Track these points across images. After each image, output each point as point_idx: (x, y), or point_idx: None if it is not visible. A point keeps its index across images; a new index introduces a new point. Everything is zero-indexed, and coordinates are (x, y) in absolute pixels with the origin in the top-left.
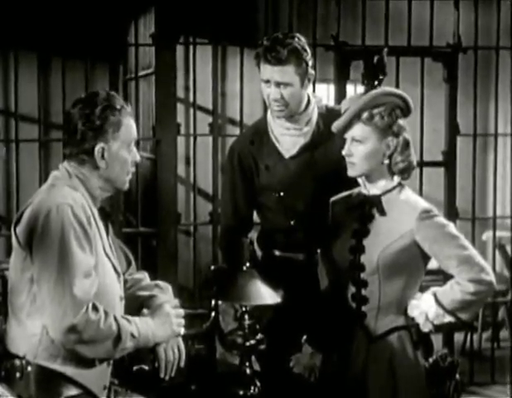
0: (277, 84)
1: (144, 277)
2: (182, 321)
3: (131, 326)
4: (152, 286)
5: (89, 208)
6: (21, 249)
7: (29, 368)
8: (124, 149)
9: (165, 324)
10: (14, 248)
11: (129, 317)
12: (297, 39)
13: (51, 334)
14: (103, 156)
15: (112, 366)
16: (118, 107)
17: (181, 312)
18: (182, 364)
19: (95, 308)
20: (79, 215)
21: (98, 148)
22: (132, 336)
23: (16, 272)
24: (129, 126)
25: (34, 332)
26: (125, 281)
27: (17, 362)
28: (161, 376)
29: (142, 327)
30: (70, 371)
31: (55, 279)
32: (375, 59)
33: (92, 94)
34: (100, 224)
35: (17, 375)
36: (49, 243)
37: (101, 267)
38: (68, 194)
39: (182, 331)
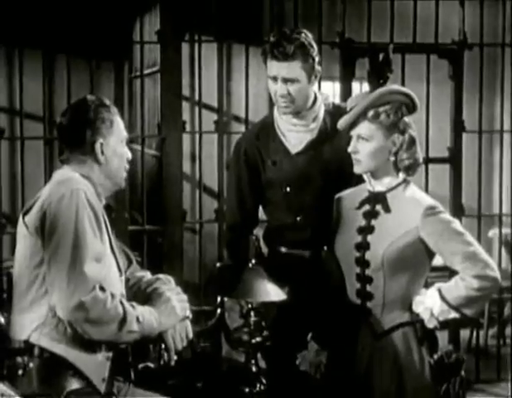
0: (284, 81)
1: (146, 274)
2: (186, 304)
3: (136, 311)
4: (153, 280)
5: (98, 200)
6: (30, 236)
7: (31, 365)
8: (119, 144)
9: (167, 309)
10: (21, 237)
11: (133, 304)
12: (303, 35)
13: (59, 313)
14: (102, 152)
15: (116, 364)
16: (108, 105)
17: (184, 296)
18: (184, 343)
19: (102, 289)
20: (92, 201)
21: (97, 145)
22: (138, 320)
23: (23, 260)
24: (119, 123)
25: (39, 315)
26: (127, 279)
27: (19, 359)
28: (172, 363)
29: (146, 314)
30: (72, 356)
31: (67, 259)
32: (381, 56)
33: (81, 99)
34: (107, 220)
35: (20, 372)
36: (63, 225)
37: (107, 260)
38: (81, 181)
39: (188, 313)
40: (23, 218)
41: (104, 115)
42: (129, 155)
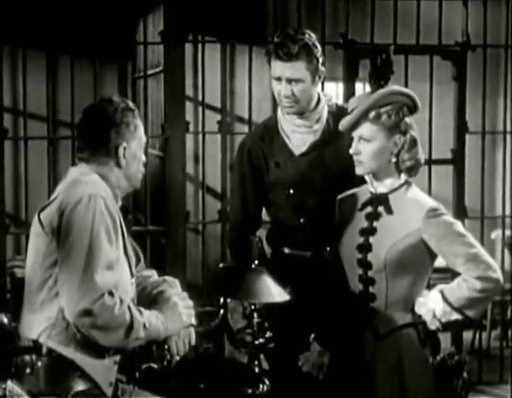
0: (288, 81)
1: (152, 274)
2: (192, 311)
3: (143, 317)
4: (159, 282)
5: (115, 204)
6: (45, 235)
7: (39, 363)
8: (140, 149)
9: (173, 315)
10: (36, 235)
11: (141, 309)
12: (307, 35)
13: (67, 315)
14: (124, 155)
15: (119, 364)
16: (133, 108)
17: (190, 303)
18: (187, 349)
19: (111, 294)
20: (111, 207)
21: (121, 148)
22: (144, 327)
23: (36, 259)
24: (142, 127)
25: (49, 316)
26: None
27: (27, 358)
28: (172, 365)
29: (153, 319)
30: (80, 359)
31: (80, 266)
32: (382, 57)
33: (107, 99)
34: (123, 223)
35: (27, 370)
36: (78, 230)
37: (120, 264)
38: (100, 185)
39: (193, 321)
40: (39, 216)
41: (130, 120)
42: (144, 158)
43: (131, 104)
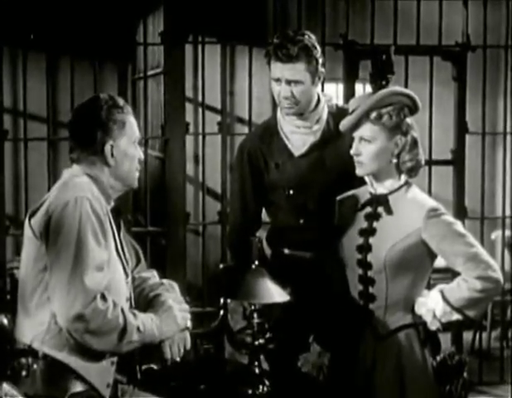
0: (288, 82)
1: (152, 275)
2: (188, 315)
3: (137, 320)
4: (157, 285)
5: (104, 205)
6: (35, 240)
7: (35, 366)
8: (131, 146)
9: (168, 318)
10: (28, 239)
11: (135, 312)
12: (307, 36)
13: (59, 321)
14: (112, 154)
15: (116, 364)
16: (121, 105)
17: (186, 306)
18: (182, 353)
19: (104, 298)
20: (97, 209)
21: (107, 147)
22: (138, 330)
23: (28, 263)
24: (132, 123)
25: (42, 321)
26: (133, 279)
27: (23, 360)
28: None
29: (147, 322)
30: (74, 363)
31: (68, 268)
32: (382, 58)
33: (94, 97)
34: (113, 222)
35: (23, 373)
36: (65, 233)
37: (112, 265)
38: (86, 187)
39: (189, 324)
40: (29, 220)
41: (117, 117)
42: (141, 155)
43: (120, 101)
